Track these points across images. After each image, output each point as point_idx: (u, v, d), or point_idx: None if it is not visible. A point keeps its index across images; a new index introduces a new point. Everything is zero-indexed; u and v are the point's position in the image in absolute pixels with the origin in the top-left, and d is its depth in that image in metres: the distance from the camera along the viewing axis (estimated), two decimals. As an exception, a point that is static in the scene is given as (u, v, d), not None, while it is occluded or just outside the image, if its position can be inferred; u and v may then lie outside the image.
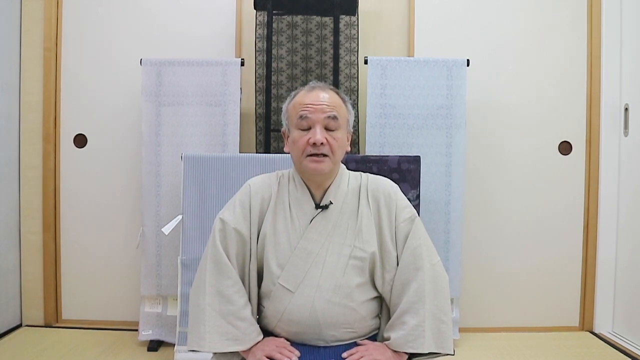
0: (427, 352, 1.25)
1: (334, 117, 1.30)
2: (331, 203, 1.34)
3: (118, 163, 2.57)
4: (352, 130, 1.41)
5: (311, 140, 1.28)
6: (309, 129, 1.30)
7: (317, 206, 1.35)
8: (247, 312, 1.30)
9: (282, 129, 1.41)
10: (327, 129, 1.30)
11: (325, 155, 1.29)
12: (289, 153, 1.37)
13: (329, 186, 1.37)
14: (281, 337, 1.33)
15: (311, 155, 1.29)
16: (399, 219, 1.35)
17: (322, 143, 1.28)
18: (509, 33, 2.57)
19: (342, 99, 1.37)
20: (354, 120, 2.42)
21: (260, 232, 1.35)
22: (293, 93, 1.38)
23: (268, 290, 1.34)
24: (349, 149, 1.39)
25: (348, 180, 1.40)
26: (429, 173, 2.29)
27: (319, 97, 1.31)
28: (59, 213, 2.59)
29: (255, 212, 1.35)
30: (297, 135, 1.31)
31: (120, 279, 2.58)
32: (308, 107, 1.30)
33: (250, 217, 1.35)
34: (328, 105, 1.30)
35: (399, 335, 1.26)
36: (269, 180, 1.41)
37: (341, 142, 1.33)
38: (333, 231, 1.33)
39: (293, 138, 1.32)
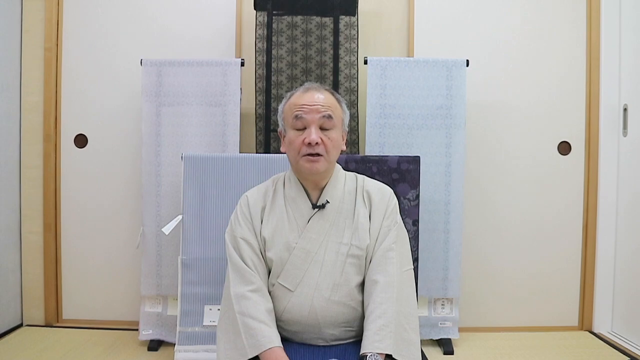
0: (387, 353, 1.21)
1: (329, 117, 1.32)
2: (328, 202, 1.35)
3: (118, 163, 2.58)
4: (347, 130, 1.42)
5: (306, 140, 1.29)
6: (304, 129, 1.32)
7: (314, 206, 1.36)
8: (266, 316, 1.29)
9: (279, 129, 1.42)
10: (322, 128, 1.32)
11: (320, 155, 1.31)
12: (285, 153, 1.38)
13: (325, 185, 1.38)
14: (282, 336, 1.33)
15: (307, 155, 1.30)
16: (385, 221, 1.37)
17: (317, 143, 1.29)
18: (508, 33, 2.58)
19: (337, 99, 1.38)
20: (354, 121, 2.46)
21: (261, 236, 1.36)
22: (288, 94, 1.39)
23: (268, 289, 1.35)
24: (344, 148, 1.40)
25: (345, 180, 1.41)
26: (428, 173, 2.30)
27: (314, 98, 1.33)
28: (60, 213, 2.59)
29: (256, 220, 1.37)
30: (292, 135, 1.33)
31: (121, 278, 2.58)
32: (303, 107, 1.31)
33: (253, 226, 1.37)
34: (323, 105, 1.32)
35: (365, 335, 1.25)
36: (264, 188, 1.43)
37: (336, 141, 1.34)
38: (331, 230, 1.35)
39: (289, 138, 1.34)
